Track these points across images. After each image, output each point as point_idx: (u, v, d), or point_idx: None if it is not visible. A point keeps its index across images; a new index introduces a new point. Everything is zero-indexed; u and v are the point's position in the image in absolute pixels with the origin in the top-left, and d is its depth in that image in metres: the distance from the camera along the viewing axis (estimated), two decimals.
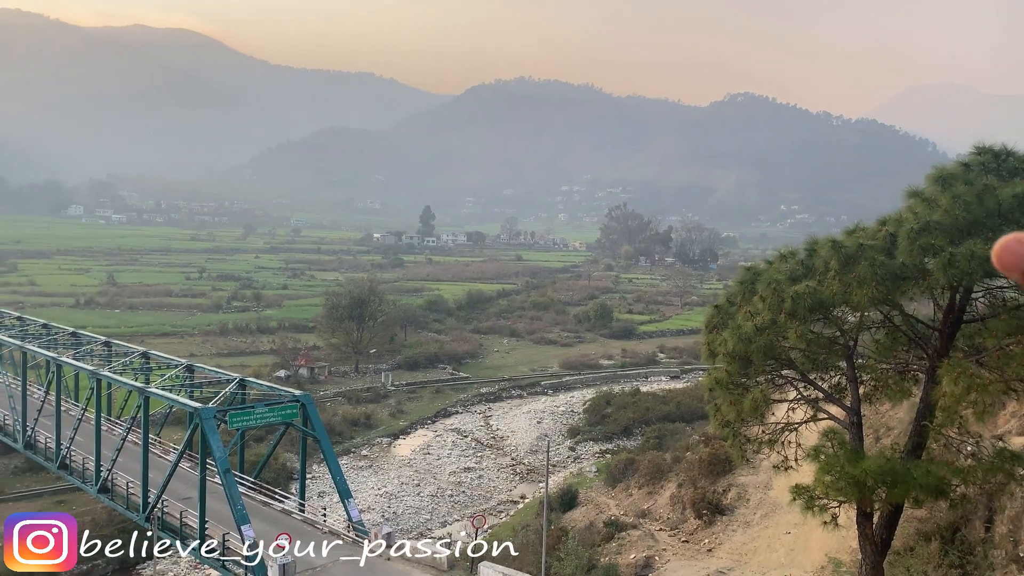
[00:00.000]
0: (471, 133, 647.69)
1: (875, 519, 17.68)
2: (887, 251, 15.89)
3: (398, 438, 70.02)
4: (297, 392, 35.18)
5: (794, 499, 17.12)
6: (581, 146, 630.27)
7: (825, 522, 16.78)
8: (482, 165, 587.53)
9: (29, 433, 42.79)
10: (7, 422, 45.75)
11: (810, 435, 18.11)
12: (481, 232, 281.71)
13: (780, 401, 19.00)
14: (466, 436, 71.22)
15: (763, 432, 18.44)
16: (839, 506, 16.91)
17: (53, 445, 40.50)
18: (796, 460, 18.26)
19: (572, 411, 79.54)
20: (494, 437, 71.34)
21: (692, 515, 38.94)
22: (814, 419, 18.32)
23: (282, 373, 79.33)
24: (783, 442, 18.42)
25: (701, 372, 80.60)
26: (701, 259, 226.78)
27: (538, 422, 76.16)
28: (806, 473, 17.88)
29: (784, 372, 18.75)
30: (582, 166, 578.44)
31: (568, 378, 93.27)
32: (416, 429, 73.00)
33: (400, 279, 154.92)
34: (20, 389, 43.54)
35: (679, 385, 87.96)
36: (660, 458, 49.41)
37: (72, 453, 39.35)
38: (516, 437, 71.27)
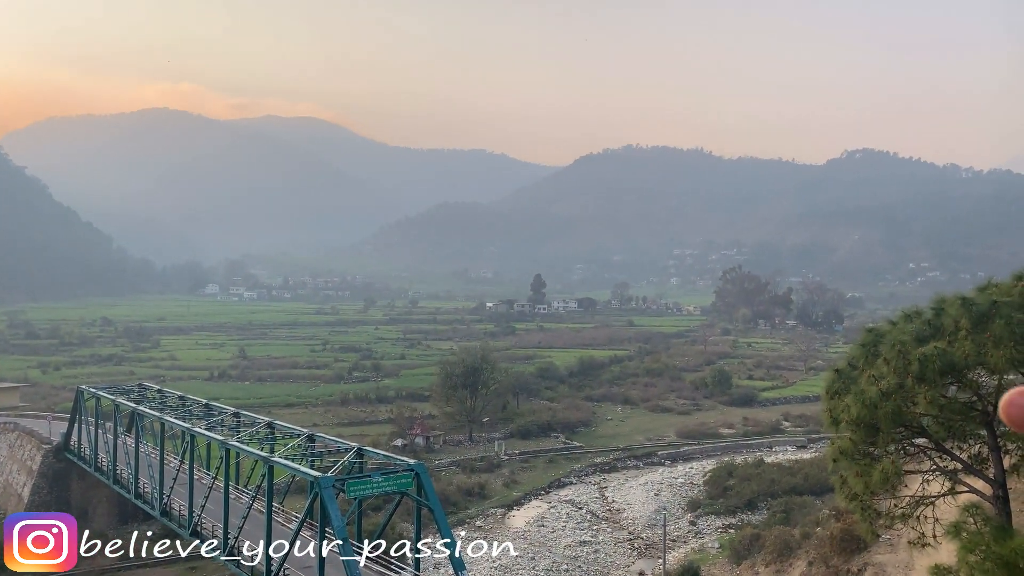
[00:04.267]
0: (580, 202, 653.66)
1: None
2: None
3: (512, 509, 69.35)
4: (411, 461, 35.61)
5: None
6: (692, 210, 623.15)
7: None
8: (591, 233, 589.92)
9: (165, 500, 45.16)
10: (146, 489, 48.52)
11: (949, 510, 16.67)
12: (592, 298, 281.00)
13: (913, 472, 17.66)
14: (581, 508, 69.71)
15: (895, 506, 17.13)
16: None
17: (187, 512, 42.51)
18: (935, 537, 16.79)
19: (691, 483, 76.59)
20: (610, 509, 69.49)
21: None
22: (952, 492, 16.88)
23: (399, 442, 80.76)
24: (919, 517, 17.02)
25: (828, 442, 76.17)
26: (825, 321, 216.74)
27: (656, 494, 73.72)
28: (948, 552, 16.39)
29: (916, 440, 17.48)
30: (694, 229, 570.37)
31: (686, 448, 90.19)
32: (530, 500, 72.16)
33: (512, 347, 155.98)
34: (158, 458, 46.21)
35: (806, 455, 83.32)
36: (788, 533, 46.59)
37: (203, 520, 41.14)
38: (633, 510, 69.15)
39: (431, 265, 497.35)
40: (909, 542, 17.70)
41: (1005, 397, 2.08)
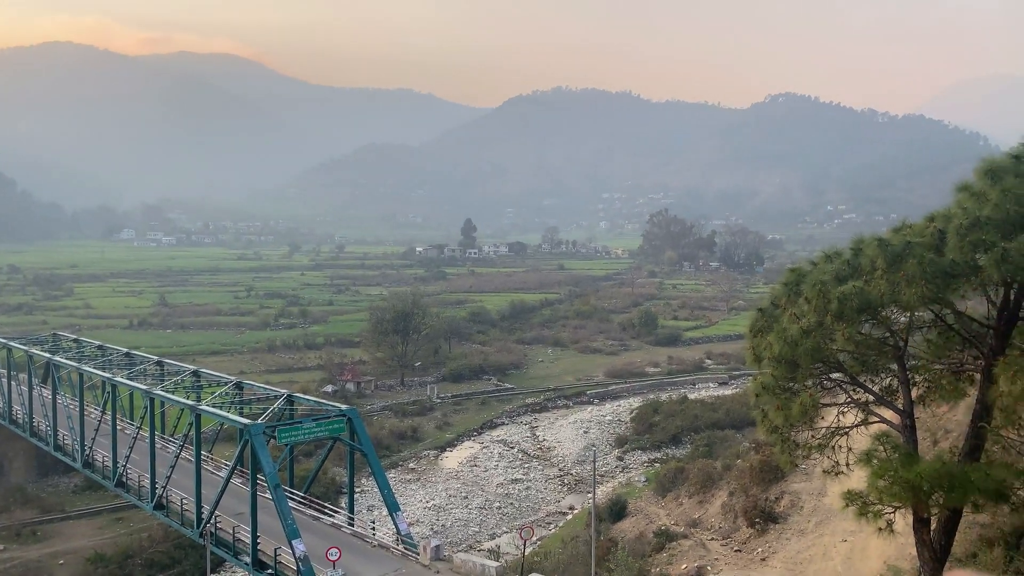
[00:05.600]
0: (510, 145, 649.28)
1: (933, 525, 17.12)
2: (936, 248, 15.47)
3: (445, 451, 70.25)
4: (343, 407, 35.50)
5: (846, 505, 16.68)
6: (621, 153, 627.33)
7: (880, 528, 16.32)
8: (522, 176, 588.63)
9: (87, 452, 43.93)
10: (66, 442, 47.06)
11: (861, 439, 17.65)
12: (522, 242, 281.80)
13: (829, 405, 18.56)
14: (513, 447, 71.11)
15: (812, 437, 18.03)
16: (894, 512, 16.41)
17: (110, 463, 41.50)
18: (848, 465, 17.81)
19: (619, 420, 78.91)
20: (541, 448, 71.12)
21: (744, 524, 38.21)
22: (865, 423, 17.85)
23: (329, 388, 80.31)
24: (833, 447, 17.98)
25: (750, 378, 79.35)
26: (747, 263, 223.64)
27: (585, 432, 75.72)
28: (859, 479, 17.41)
29: (832, 375, 18.33)
30: (622, 173, 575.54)
31: (614, 387, 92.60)
32: (463, 441, 73.17)
33: (443, 291, 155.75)
34: (78, 409, 44.75)
35: (728, 392, 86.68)
36: (710, 466, 48.66)
37: (128, 471, 40.27)
38: (563, 447, 70.94)
39: (358, 209, 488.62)
40: (824, 470, 18.73)
41: None
